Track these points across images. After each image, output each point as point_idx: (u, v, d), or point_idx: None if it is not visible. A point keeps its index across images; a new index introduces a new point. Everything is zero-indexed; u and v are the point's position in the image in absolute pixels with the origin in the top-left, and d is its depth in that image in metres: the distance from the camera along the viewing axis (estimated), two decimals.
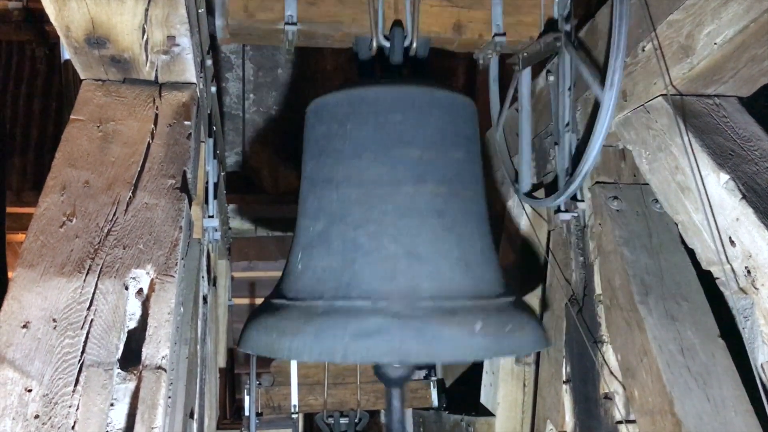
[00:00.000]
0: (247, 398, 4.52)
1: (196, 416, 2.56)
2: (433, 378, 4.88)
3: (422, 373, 4.89)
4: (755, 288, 2.13)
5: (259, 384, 4.61)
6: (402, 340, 2.27)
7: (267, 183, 5.89)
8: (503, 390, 3.92)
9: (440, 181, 2.55)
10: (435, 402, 4.83)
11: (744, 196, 2.15)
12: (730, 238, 2.21)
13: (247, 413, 4.49)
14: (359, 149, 2.49)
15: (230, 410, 5.43)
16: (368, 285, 2.45)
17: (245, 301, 6.12)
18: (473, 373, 4.51)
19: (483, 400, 4.15)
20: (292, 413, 4.62)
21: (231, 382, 5.57)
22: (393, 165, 2.50)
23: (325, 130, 2.61)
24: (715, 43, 2.22)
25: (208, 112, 2.86)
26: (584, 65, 2.67)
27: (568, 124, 2.92)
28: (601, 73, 2.70)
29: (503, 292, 2.67)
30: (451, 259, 2.57)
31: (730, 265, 2.22)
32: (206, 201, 2.93)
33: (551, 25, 2.87)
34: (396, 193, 2.50)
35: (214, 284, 3.91)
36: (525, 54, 3.07)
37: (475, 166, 2.78)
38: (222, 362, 4.96)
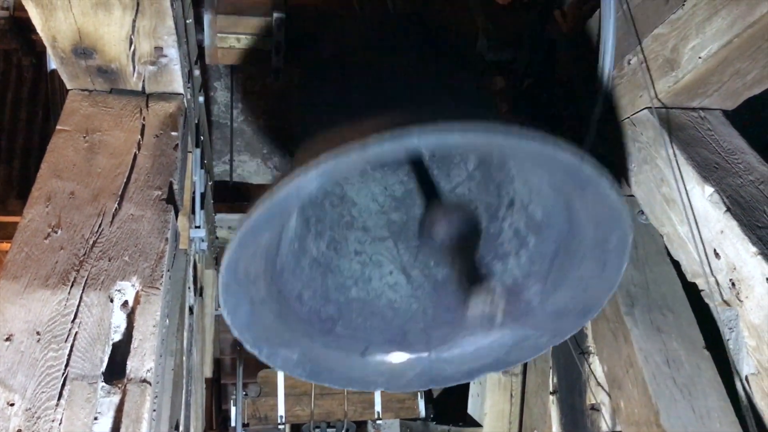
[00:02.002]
0: (233, 409, 4.50)
1: (181, 428, 2.54)
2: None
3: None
4: (739, 300, 2.15)
5: (246, 394, 4.59)
6: None
7: (255, 192, 5.86)
8: (490, 400, 3.93)
9: None
10: (422, 412, 4.83)
11: (728, 209, 2.17)
12: (714, 250, 2.22)
13: (233, 424, 4.47)
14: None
15: (216, 421, 5.39)
16: None
17: None
18: (461, 384, 4.50)
19: (470, 410, 4.15)
20: (279, 424, 4.60)
21: (217, 393, 5.53)
22: None
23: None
24: (700, 57, 2.25)
25: (196, 122, 2.85)
26: None
27: None
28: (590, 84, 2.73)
29: None
30: None
31: (715, 277, 2.23)
32: (193, 211, 2.92)
33: None
34: None
35: (201, 294, 3.89)
36: None
37: None
38: (208, 372, 4.93)
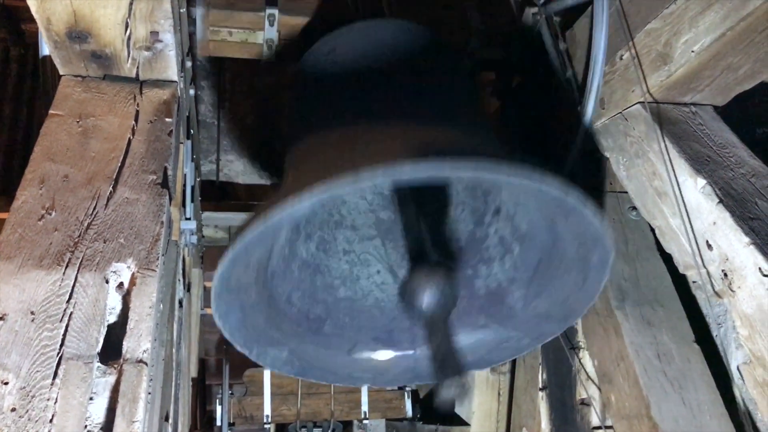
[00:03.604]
0: (219, 408, 4.46)
1: (170, 420, 2.51)
2: (407, 388, 4.86)
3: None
4: (731, 290, 2.17)
5: (232, 394, 4.55)
6: None
7: (241, 192, 5.84)
8: (478, 399, 3.92)
9: None
10: (409, 412, 4.81)
11: (721, 201, 2.19)
12: (707, 241, 2.24)
13: (219, 423, 4.43)
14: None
15: (201, 421, 5.34)
16: None
17: None
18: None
19: (457, 409, 4.14)
20: (265, 423, 4.56)
21: (202, 393, 5.49)
22: None
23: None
24: (693, 51, 2.27)
25: (187, 114, 2.84)
26: None
27: None
28: (582, 81, 2.75)
29: None
30: None
31: (707, 268, 2.25)
32: (183, 204, 2.90)
33: None
34: None
35: (188, 290, 3.86)
36: None
37: None
38: (194, 372, 4.88)
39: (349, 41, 2.68)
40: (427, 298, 1.86)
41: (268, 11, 2.97)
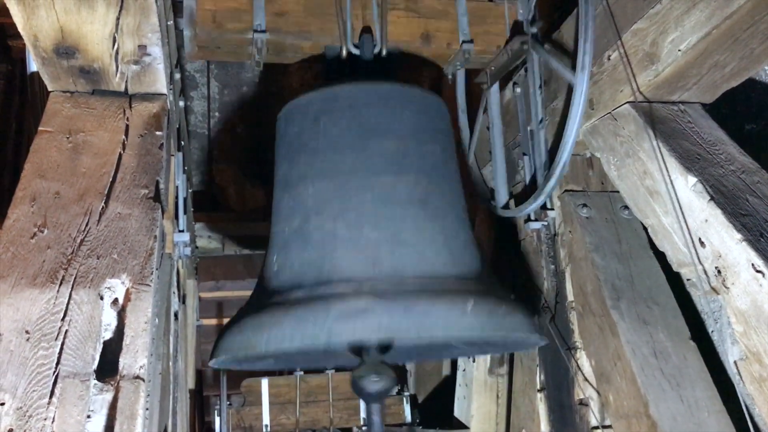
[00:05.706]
0: (217, 419, 4.45)
1: None
2: (406, 393, 4.86)
3: (394, 389, 4.86)
4: (726, 287, 2.17)
5: (230, 404, 4.53)
6: (390, 317, 2.13)
7: (233, 201, 5.83)
8: (477, 402, 3.92)
9: (420, 172, 2.51)
10: (408, 417, 4.81)
11: (712, 198, 2.20)
12: (699, 239, 2.24)
13: None
14: (334, 142, 2.45)
15: None
16: (350, 271, 2.33)
17: (213, 321, 6.02)
18: (446, 387, 4.50)
19: (457, 413, 4.14)
20: None
21: (200, 405, 5.47)
22: (370, 156, 2.44)
23: (297, 130, 2.56)
24: (679, 50, 2.28)
25: (177, 126, 2.83)
26: (553, 58, 2.72)
27: (541, 121, 2.95)
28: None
29: (491, 281, 2.57)
30: (438, 245, 2.44)
31: (702, 265, 2.25)
32: (176, 216, 2.89)
33: (517, 31, 2.91)
34: (375, 183, 2.43)
35: (183, 302, 3.85)
36: (492, 68, 3.12)
37: (451, 160, 2.74)
38: (191, 384, 4.87)
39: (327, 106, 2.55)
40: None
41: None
